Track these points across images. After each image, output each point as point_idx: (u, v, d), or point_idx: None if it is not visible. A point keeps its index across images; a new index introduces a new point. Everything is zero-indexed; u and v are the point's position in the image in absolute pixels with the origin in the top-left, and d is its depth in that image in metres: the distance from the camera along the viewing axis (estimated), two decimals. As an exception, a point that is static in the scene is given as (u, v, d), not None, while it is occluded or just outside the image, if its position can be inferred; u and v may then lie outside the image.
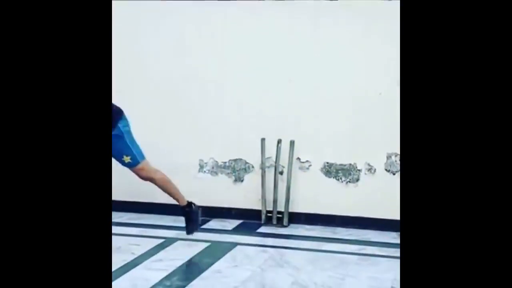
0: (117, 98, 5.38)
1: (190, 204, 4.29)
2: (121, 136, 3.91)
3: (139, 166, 4.03)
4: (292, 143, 4.79)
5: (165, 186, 4.19)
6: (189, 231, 4.28)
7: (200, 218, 4.35)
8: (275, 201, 4.85)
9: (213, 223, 4.87)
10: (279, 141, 4.80)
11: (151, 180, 4.14)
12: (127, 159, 3.95)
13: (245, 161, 4.98)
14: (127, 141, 3.93)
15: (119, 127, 3.90)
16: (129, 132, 3.98)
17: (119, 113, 3.93)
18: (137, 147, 4.03)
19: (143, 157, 4.05)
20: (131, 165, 4.02)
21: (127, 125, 3.98)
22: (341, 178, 4.81)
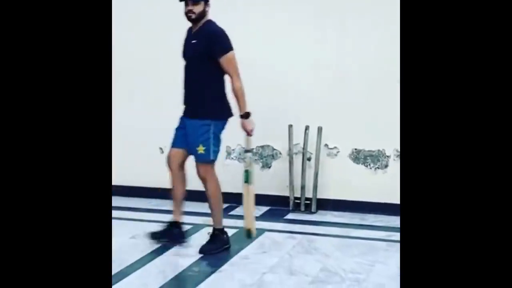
0: (145, 88, 5.37)
1: (223, 229, 3.99)
2: (209, 126, 3.82)
3: (206, 163, 3.90)
4: (320, 129, 4.76)
5: (213, 197, 3.97)
6: (202, 250, 3.88)
7: (220, 250, 3.91)
8: (303, 188, 4.83)
9: (241, 210, 4.87)
10: (306, 128, 4.77)
11: (204, 181, 3.94)
12: (201, 149, 3.82)
13: (273, 147, 4.97)
14: (212, 135, 3.83)
15: (215, 124, 3.85)
16: (217, 133, 3.88)
17: (228, 114, 3.91)
18: (216, 147, 3.91)
19: (214, 159, 3.92)
20: (200, 158, 3.87)
21: (221, 128, 3.91)
22: (369, 165, 4.77)
